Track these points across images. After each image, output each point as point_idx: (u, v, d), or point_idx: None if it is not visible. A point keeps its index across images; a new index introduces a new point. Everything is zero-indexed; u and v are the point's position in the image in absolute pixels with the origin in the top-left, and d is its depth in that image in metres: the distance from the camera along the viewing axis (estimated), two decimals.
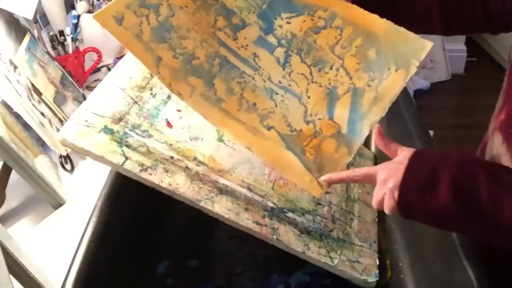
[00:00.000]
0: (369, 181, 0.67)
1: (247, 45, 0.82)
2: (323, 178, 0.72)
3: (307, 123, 0.77)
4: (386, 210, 0.64)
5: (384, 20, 0.80)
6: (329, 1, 0.84)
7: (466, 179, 0.60)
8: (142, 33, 0.73)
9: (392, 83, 0.78)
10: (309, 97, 0.79)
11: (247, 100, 0.77)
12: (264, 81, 0.79)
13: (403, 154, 0.65)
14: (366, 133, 0.76)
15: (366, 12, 0.81)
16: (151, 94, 0.87)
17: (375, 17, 0.81)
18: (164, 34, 0.75)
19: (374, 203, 0.66)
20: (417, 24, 0.83)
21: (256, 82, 0.79)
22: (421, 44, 0.79)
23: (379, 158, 1.04)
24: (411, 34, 0.80)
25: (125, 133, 0.79)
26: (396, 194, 0.62)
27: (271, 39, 0.83)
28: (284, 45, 0.83)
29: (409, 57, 0.79)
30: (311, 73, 0.81)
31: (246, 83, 0.78)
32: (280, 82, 0.80)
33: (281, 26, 0.84)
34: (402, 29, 0.80)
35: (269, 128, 0.76)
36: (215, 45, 0.79)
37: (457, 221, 0.62)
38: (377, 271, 0.84)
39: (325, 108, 0.78)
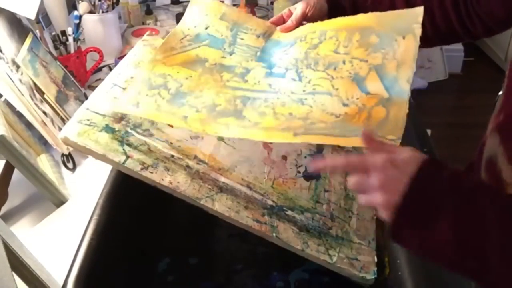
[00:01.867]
0: (355, 171, 0.59)
1: (259, 81, 0.83)
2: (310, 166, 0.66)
3: (347, 105, 0.74)
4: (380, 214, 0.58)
5: (369, 13, 0.82)
6: (314, 26, 0.87)
7: (473, 224, 0.52)
8: (160, 106, 0.75)
9: (407, 47, 0.77)
10: (337, 89, 0.78)
11: (282, 114, 0.76)
12: (289, 96, 0.79)
13: (407, 160, 0.56)
14: (408, 88, 0.72)
15: (350, 16, 0.83)
16: None
17: (361, 15, 0.82)
18: (180, 100, 0.77)
19: (361, 199, 0.59)
20: None
21: (282, 100, 0.78)
22: (413, 12, 0.79)
23: None
24: (400, 11, 0.80)
25: (126, 132, 0.79)
26: (388, 214, 0.56)
27: (278, 70, 0.84)
28: (292, 68, 0.84)
29: (408, 25, 0.78)
30: (328, 74, 0.81)
31: (274, 104, 0.78)
32: (304, 91, 0.80)
33: (281, 59, 0.86)
34: (390, 12, 0.81)
35: (314, 124, 0.72)
36: (230, 92, 0.80)
37: (453, 266, 0.55)
38: (375, 269, 0.84)
39: (357, 89, 0.76)
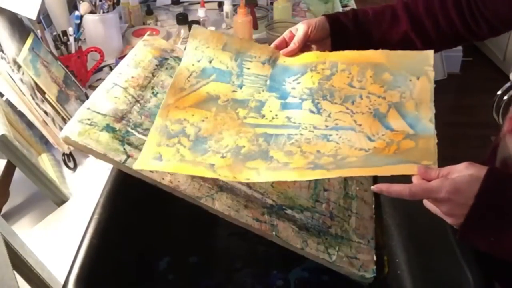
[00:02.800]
0: (427, 197, 0.63)
1: (276, 115, 0.82)
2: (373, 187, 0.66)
3: (375, 141, 0.74)
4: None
5: (380, 50, 0.83)
6: (322, 55, 0.86)
7: None
8: (184, 156, 0.74)
9: (422, 88, 0.78)
10: (360, 125, 0.77)
11: (310, 152, 0.75)
12: (312, 131, 0.78)
13: (468, 183, 0.59)
14: (432, 126, 0.72)
15: (360, 51, 0.84)
16: (153, 93, 0.87)
17: (371, 51, 0.83)
18: (202, 146, 0.76)
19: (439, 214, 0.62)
20: (403, 48, 0.83)
21: (306, 136, 0.77)
22: (423, 55, 0.81)
23: None
24: (410, 51, 0.81)
25: (127, 131, 0.79)
26: (458, 229, 0.60)
27: (292, 100, 0.83)
28: (307, 98, 0.83)
29: (421, 67, 0.80)
30: (347, 108, 0.80)
31: (298, 141, 0.77)
32: (326, 126, 0.78)
33: (294, 88, 0.85)
34: (399, 51, 0.81)
35: (344, 159, 0.71)
36: (251, 130, 0.79)
37: None
38: (374, 267, 0.84)
39: (381, 126, 0.76)
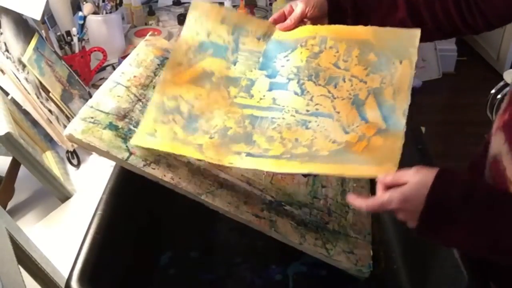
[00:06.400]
0: (382, 210, 0.67)
1: (264, 95, 0.83)
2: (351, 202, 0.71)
3: (348, 133, 0.77)
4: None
5: (369, 26, 0.83)
6: (314, 29, 0.87)
7: (486, 230, 0.60)
8: (176, 134, 0.75)
9: (403, 74, 0.79)
10: (338, 112, 0.79)
11: (289, 139, 0.77)
12: (294, 116, 0.80)
13: (417, 189, 0.62)
14: (404, 121, 0.75)
15: (350, 26, 0.85)
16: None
17: (360, 27, 0.84)
18: (194, 125, 0.77)
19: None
20: None
21: (287, 120, 0.79)
22: (410, 33, 0.81)
23: None
24: (397, 29, 0.82)
25: (129, 129, 0.78)
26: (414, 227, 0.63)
27: (280, 79, 0.84)
28: (294, 78, 0.84)
29: (405, 47, 0.80)
30: (329, 91, 0.81)
31: (280, 125, 0.79)
32: (307, 110, 0.80)
33: (283, 66, 0.85)
34: (388, 27, 0.82)
35: (318, 152, 0.75)
36: (239, 111, 0.80)
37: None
38: (371, 262, 0.84)
39: (357, 116, 0.78)
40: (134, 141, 0.75)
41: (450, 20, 0.85)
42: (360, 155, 0.72)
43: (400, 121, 0.75)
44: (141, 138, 0.75)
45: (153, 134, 0.76)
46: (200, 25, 0.89)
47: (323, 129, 0.78)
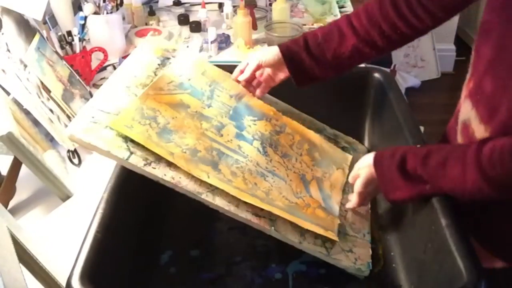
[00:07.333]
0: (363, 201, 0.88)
1: (231, 140, 0.89)
2: (347, 205, 0.91)
3: (298, 198, 0.87)
4: None
5: (319, 135, 1.02)
6: (278, 115, 1.00)
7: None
8: (150, 136, 0.79)
9: (337, 177, 0.97)
10: (290, 180, 0.89)
11: (249, 181, 0.83)
12: (256, 166, 0.87)
13: (365, 174, 0.83)
14: (337, 210, 0.90)
15: (306, 129, 1.02)
16: None
17: (313, 133, 1.02)
18: (167, 136, 0.81)
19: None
20: (357, 58, 0.92)
21: (250, 167, 0.86)
22: (345, 156, 1.03)
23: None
24: (337, 149, 1.03)
25: None
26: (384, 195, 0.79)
27: (246, 134, 0.92)
28: (258, 139, 0.92)
29: (341, 161, 1.01)
30: (284, 162, 0.92)
31: (243, 168, 0.85)
32: (266, 167, 0.88)
33: (250, 126, 0.94)
34: (331, 144, 1.03)
35: (273, 201, 0.82)
36: (208, 142, 0.85)
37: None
38: (370, 261, 0.84)
39: (304, 189, 0.90)
40: (112, 124, 0.77)
41: (397, 31, 0.88)
42: (309, 216, 0.84)
43: (335, 208, 0.90)
44: (119, 125, 0.77)
45: (130, 127, 0.78)
46: (184, 70, 0.95)
47: (278, 186, 0.86)
